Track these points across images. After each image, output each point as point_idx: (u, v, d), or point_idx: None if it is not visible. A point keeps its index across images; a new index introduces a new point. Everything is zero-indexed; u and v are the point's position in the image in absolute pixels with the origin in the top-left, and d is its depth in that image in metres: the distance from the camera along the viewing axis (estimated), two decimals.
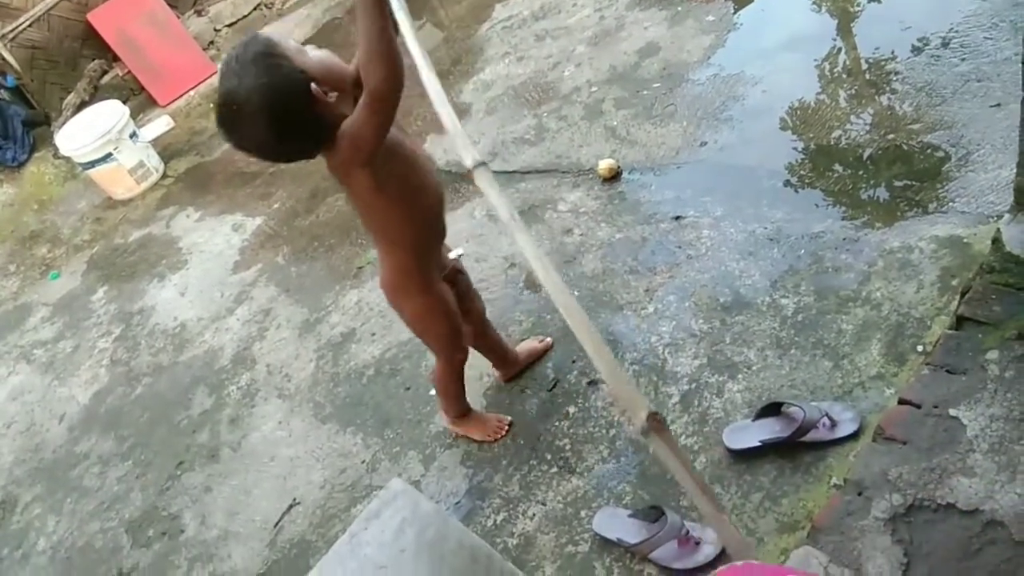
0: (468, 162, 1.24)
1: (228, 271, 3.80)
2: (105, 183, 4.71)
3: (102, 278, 4.23)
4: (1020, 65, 1.72)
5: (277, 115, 1.53)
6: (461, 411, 2.43)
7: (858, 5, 3.44)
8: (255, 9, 6.13)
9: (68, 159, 4.85)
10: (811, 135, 2.88)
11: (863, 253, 2.32)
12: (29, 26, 5.27)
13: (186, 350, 3.46)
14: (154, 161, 4.82)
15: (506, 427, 2.42)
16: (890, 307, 2.13)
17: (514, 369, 2.57)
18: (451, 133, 1.28)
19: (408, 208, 1.82)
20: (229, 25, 6.02)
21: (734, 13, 3.73)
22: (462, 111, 4.06)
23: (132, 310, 3.87)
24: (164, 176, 4.86)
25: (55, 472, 3.20)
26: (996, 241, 1.88)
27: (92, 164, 4.58)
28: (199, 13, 5.96)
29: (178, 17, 5.73)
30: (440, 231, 2.00)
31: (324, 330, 3.17)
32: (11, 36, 5.21)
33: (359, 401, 2.79)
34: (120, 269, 4.22)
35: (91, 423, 3.33)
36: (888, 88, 2.88)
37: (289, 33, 5.81)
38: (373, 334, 3.03)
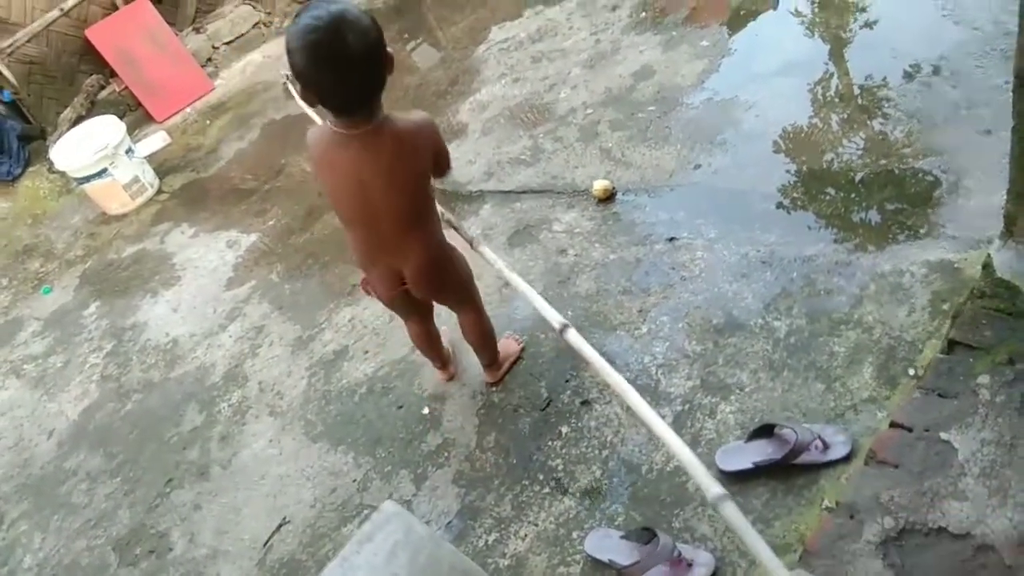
0: (555, 325, 1.59)
1: (222, 287, 3.80)
2: (100, 198, 4.71)
3: (94, 293, 4.21)
4: (1010, 94, 1.74)
5: (381, 49, 1.75)
6: (497, 351, 2.64)
7: (850, 31, 3.49)
8: (253, 27, 6.16)
9: (63, 174, 4.85)
10: (804, 159, 2.91)
11: (855, 277, 2.34)
12: (27, 41, 5.28)
13: (177, 366, 3.44)
14: (149, 177, 4.82)
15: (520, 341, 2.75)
16: (882, 330, 2.15)
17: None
18: (534, 303, 1.67)
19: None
20: (227, 43, 6.05)
21: (728, 38, 3.78)
22: (458, 131, 4.09)
23: (124, 325, 3.85)
24: (159, 192, 4.86)
25: (43, 488, 3.17)
26: (987, 267, 1.90)
27: (87, 179, 4.57)
28: (197, 31, 5.99)
29: (176, 34, 5.76)
30: None
31: (317, 348, 3.17)
32: (9, 51, 5.22)
33: (351, 419, 2.78)
34: (113, 284, 4.21)
35: (80, 439, 3.31)
36: (880, 114, 2.92)
37: (281, 51, 5.84)
38: (366, 352, 3.03)
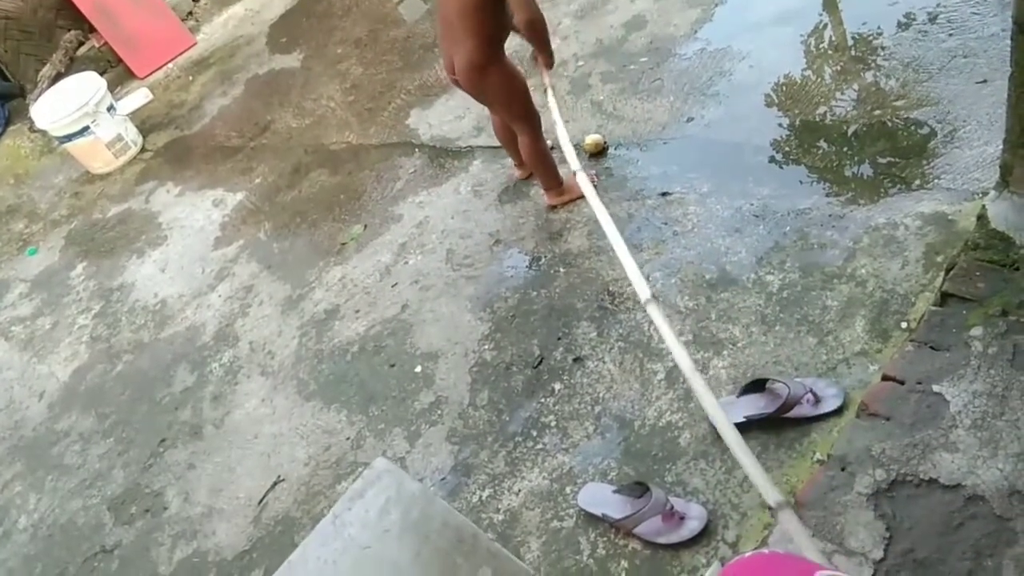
0: (642, 297, 1.62)
1: (209, 247, 3.75)
2: (82, 157, 4.62)
3: (81, 254, 4.16)
4: (1007, 42, 1.71)
5: None
6: (560, 179, 2.92)
7: None
8: None
9: (44, 132, 4.75)
10: (797, 111, 2.87)
11: (848, 230, 2.32)
12: None
13: (167, 327, 3.42)
14: (132, 135, 4.73)
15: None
16: (875, 284, 2.14)
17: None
18: (626, 268, 1.66)
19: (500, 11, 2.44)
20: None
21: None
22: (446, 86, 4.00)
23: (112, 286, 3.82)
24: (143, 150, 4.77)
25: (35, 450, 3.17)
26: (981, 218, 1.89)
27: (69, 138, 4.49)
28: None
29: None
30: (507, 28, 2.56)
31: (307, 307, 3.15)
32: None
33: (343, 378, 2.77)
34: (99, 245, 4.16)
35: (71, 400, 3.30)
36: (874, 64, 2.87)
37: (270, 4, 5.70)
38: (357, 311, 3.01)
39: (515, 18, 2.42)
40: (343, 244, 3.37)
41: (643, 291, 1.62)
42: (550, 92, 2.48)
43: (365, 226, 3.41)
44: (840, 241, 2.31)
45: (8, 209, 4.81)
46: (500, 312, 2.70)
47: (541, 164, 2.89)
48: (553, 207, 3.00)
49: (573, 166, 2.04)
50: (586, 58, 3.67)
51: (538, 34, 2.50)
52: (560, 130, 2.23)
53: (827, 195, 2.50)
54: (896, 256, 2.17)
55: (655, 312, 1.56)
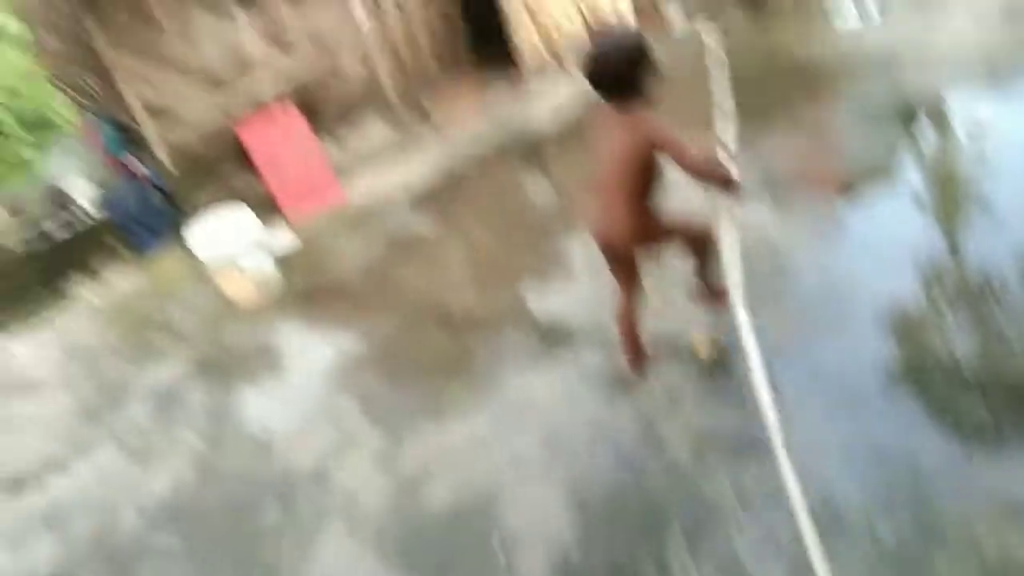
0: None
1: (322, 388, 3.94)
2: (226, 285, 5.03)
3: (204, 374, 4.44)
4: None
5: (637, 54, 2.64)
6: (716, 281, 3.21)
7: (968, 223, 3.45)
8: (388, 145, 6.62)
9: (196, 257, 5.23)
10: (920, 357, 2.83)
11: (967, 491, 2.22)
12: (185, 133, 5.84)
13: (268, 458, 3.55)
14: (274, 272, 5.14)
15: None
16: (997, 552, 2.01)
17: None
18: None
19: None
20: (362, 157, 6.52)
21: (843, 215, 3.80)
22: (567, 269, 4.20)
23: (225, 410, 4.02)
24: (281, 287, 5.15)
25: (119, 559, 3.26)
26: None
27: (217, 265, 4.91)
28: (336, 142, 6.49)
29: (318, 142, 6.24)
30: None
31: (401, 463, 3.21)
32: (168, 139, 5.78)
33: (422, 544, 2.77)
34: (222, 368, 4.43)
35: (164, 517, 3.41)
36: (1000, 323, 2.83)
37: (417, 171, 6.23)
38: (448, 477, 3.04)
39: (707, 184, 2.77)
40: (446, 407, 3.46)
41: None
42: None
43: (471, 393, 3.50)
44: (958, 500, 2.20)
45: (148, 321, 5.22)
46: (592, 509, 2.67)
47: (709, 268, 3.16)
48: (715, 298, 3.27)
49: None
50: None
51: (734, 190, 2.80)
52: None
53: (944, 448, 2.41)
54: (1018, 528, 2.05)
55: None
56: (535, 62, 7.30)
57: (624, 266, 2.99)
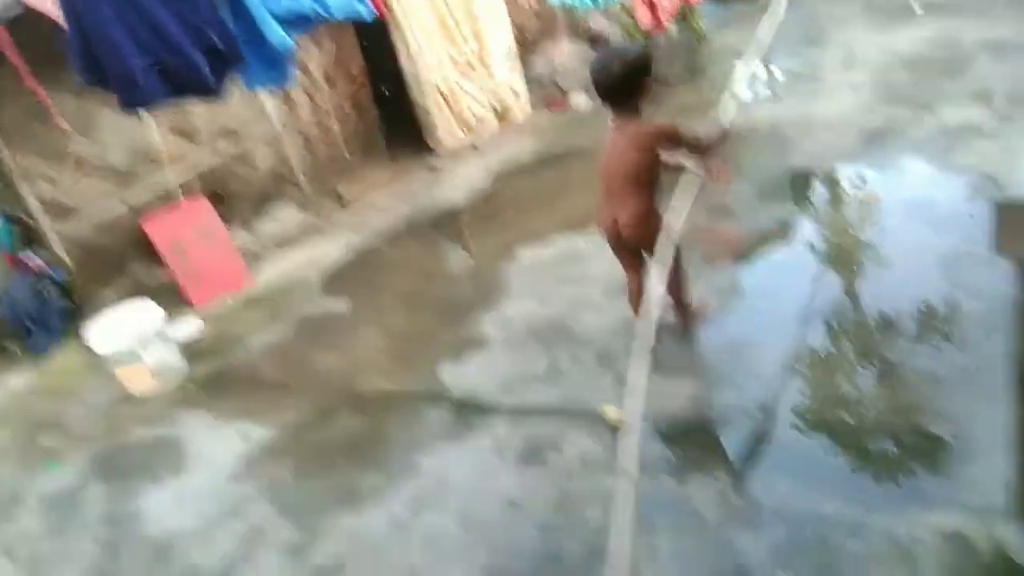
0: None
1: (227, 482, 3.76)
2: (126, 380, 4.81)
3: (101, 476, 4.18)
4: (1015, 367, 1.79)
5: (638, 69, 3.09)
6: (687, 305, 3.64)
7: (860, 280, 3.65)
8: (300, 229, 6.58)
9: (95, 352, 4.99)
10: (817, 408, 2.94)
11: (867, 538, 2.28)
12: (86, 228, 5.67)
13: (169, 564, 3.34)
14: (177, 362, 4.95)
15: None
16: None
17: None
18: None
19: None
20: (273, 241, 6.44)
21: (740, 280, 3.96)
22: (480, 343, 4.21)
23: (123, 513, 3.78)
24: (185, 377, 4.96)
25: None
26: (999, 547, 1.85)
27: (117, 361, 4.71)
28: (246, 228, 6.41)
29: (227, 230, 6.15)
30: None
31: (313, 558, 3.07)
32: (67, 234, 5.60)
33: None
34: (121, 468, 4.19)
35: None
36: (892, 372, 2.97)
37: (328, 253, 6.19)
38: (366, 567, 2.93)
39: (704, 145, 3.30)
40: (359, 491, 3.36)
41: None
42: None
43: (384, 475, 3.42)
44: (859, 550, 2.25)
45: (41, 422, 4.92)
46: None
47: (683, 290, 3.57)
48: (684, 329, 3.65)
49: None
50: (614, 332, 3.86)
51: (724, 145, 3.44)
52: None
53: (844, 497, 2.48)
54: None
55: None
56: (449, 145, 7.45)
57: (630, 255, 3.44)
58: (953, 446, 2.48)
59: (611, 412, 3.23)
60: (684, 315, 3.64)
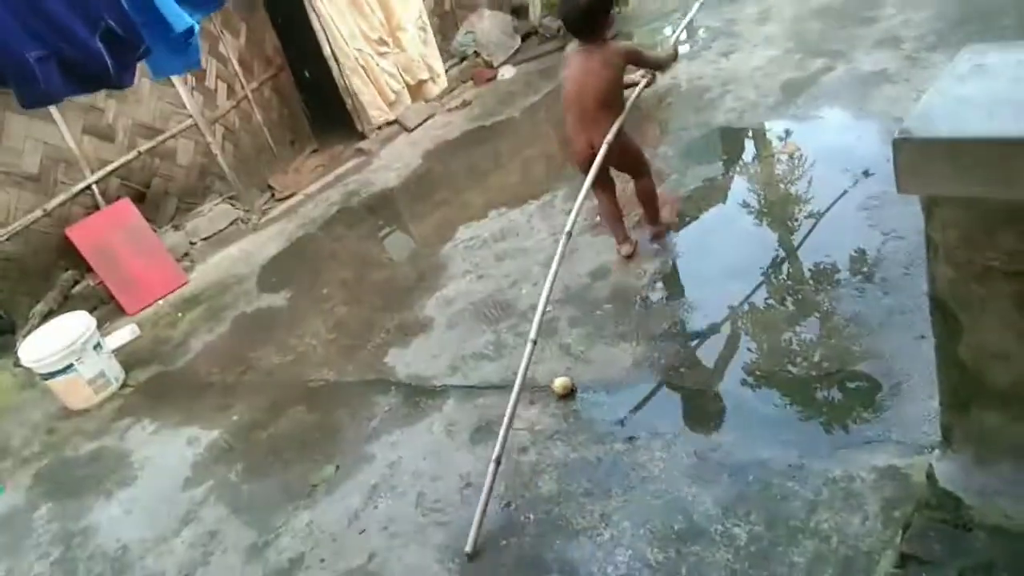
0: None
1: (178, 488, 3.70)
2: (63, 394, 4.67)
3: (47, 493, 4.07)
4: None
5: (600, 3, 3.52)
6: (659, 212, 4.04)
7: (785, 233, 3.76)
8: (231, 224, 6.43)
9: (28, 369, 4.83)
10: (751, 361, 3.03)
11: (809, 481, 2.38)
12: (6, 240, 5.44)
13: (126, 575, 3.28)
14: (115, 371, 4.82)
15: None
16: (838, 539, 2.16)
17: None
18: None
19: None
20: (205, 239, 6.28)
21: (677, 243, 4.04)
22: (424, 326, 4.20)
23: (75, 529, 3.70)
24: (124, 386, 4.84)
25: None
26: (930, 476, 1.96)
27: (51, 375, 4.56)
28: (176, 228, 6.24)
29: (155, 231, 5.98)
30: None
31: (272, 556, 3.06)
32: None
33: None
34: (67, 484, 4.08)
35: None
36: (820, 318, 3.08)
37: (263, 246, 6.08)
38: (322, 560, 2.93)
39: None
40: (314, 486, 3.35)
41: None
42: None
43: (337, 467, 3.41)
44: (801, 492, 2.35)
45: None
46: (469, 563, 2.64)
47: (655, 199, 3.99)
48: (655, 237, 4.04)
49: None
50: (555, 303, 3.89)
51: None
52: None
53: (786, 445, 2.57)
54: (856, 511, 2.20)
55: None
56: (379, 122, 7.33)
57: (600, 176, 3.64)
58: (883, 385, 2.59)
59: (559, 382, 3.26)
60: (654, 219, 4.04)
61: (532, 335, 3.02)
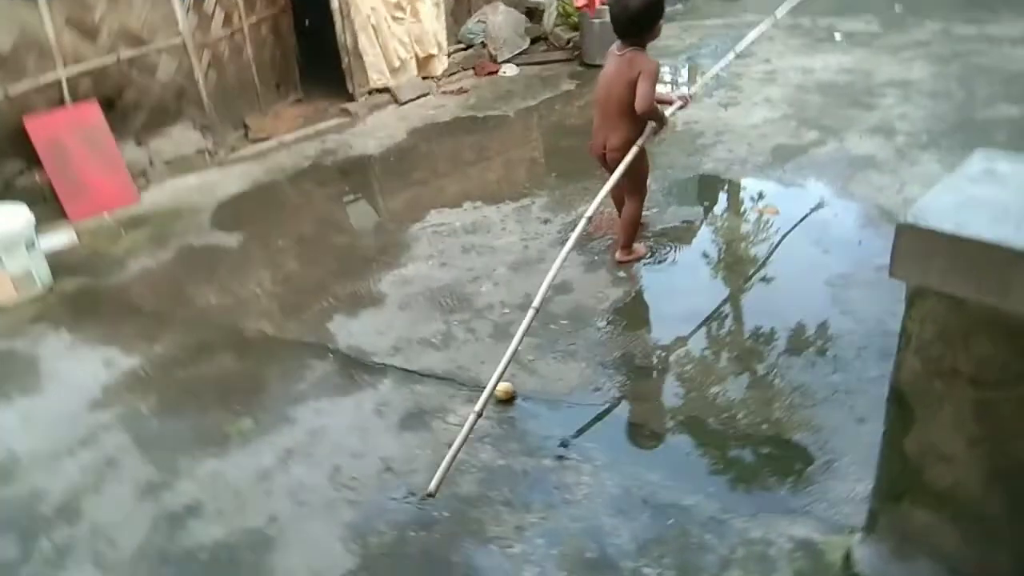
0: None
1: (84, 408, 3.52)
2: None
3: None
4: (884, 389, 1.89)
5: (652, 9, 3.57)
6: (634, 242, 4.09)
7: (749, 293, 3.79)
8: (197, 153, 6.20)
9: None
10: (693, 407, 3.04)
11: (726, 537, 2.38)
12: None
13: (8, 485, 3.10)
14: (43, 273, 4.58)
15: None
16: None
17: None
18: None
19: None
20: (166, 162, 6.04)
21: (643, 275, 4.04)
22: (376, 301, 4.11)
23: None
24: (49, 291, 4.61)
25: None
26: (847, 558, 1.97)
27: None
28: (139, 143, 5.98)
29: (116, 141, 5.72)
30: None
31: (168, 497, 2.93)
32: None
33: None
34: None
35: None
36: (767, 380, 3.11)
37: (225, 183, 5.88)
38: (221, 513, 2.82)
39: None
40: (227, 435, 3.23)
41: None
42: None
43: (256, 422, 3.29)
44: (718, 547, 2.35)
45: None
46: (373, 548, 2.58)
47: (635, 227, 4.04)
48: (620, 263, 4.06)
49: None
50: (512, 307, 3.85)
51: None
52: None
53: (710, 496, 2.58)
54: None
55: None
56: (375, 84, 7.18)
57: (610, 171, 3.68)
58: (815, 458, 2.62)
59: (501, 387, 3.21)
60: (627, 245, 4.07)
61: (536, 303, 3.07)
